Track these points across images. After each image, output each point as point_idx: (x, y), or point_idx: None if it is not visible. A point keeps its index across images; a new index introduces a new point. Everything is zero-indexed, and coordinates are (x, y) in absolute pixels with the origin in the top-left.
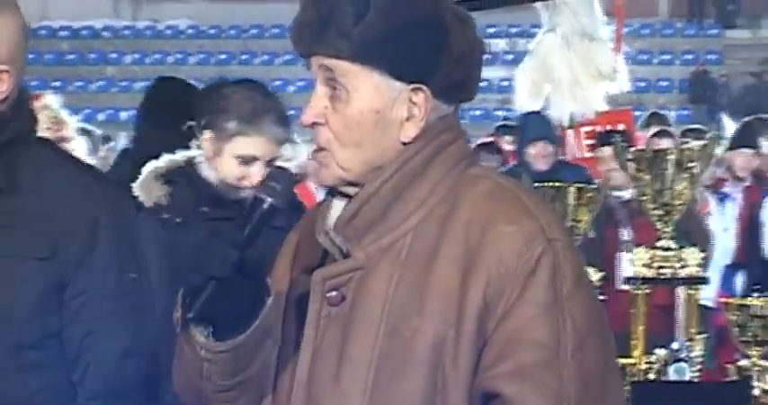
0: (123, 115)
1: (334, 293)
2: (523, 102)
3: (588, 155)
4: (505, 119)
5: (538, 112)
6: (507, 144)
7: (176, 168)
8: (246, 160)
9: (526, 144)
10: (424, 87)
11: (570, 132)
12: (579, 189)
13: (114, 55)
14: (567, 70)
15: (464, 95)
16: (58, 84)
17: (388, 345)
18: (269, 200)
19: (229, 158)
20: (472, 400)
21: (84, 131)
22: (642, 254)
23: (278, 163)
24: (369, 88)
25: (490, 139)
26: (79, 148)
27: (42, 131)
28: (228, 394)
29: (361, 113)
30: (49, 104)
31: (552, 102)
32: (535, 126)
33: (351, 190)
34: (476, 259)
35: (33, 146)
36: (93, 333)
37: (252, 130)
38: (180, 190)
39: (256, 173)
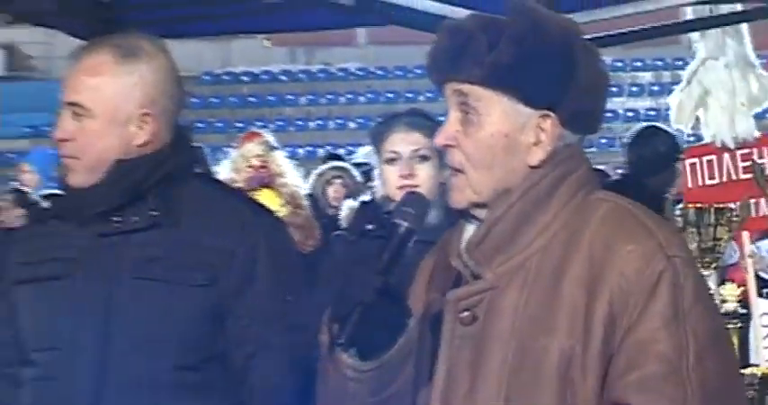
0: (300, 151)
1: (466, 314)
2: (680, 126)
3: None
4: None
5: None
6: None
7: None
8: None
9: None
10: (552, 115)
11: (727, 155)
12: (718, 210)
13: (291, 97)
14: (731, 96)
15: (590, 125)
16: (240, 124)
17: (518, 361)
18: (404, 224)
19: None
20: None
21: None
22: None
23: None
24: (499, 112)
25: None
26: (293, 180)
27: (254, 165)
28: None
29: (491, 136)
30: (267, 141)
31: (711, 126)
32: None
33: (481, 213)
34: (599, 278)
35: (192, 180)
36: (256, 356)
37: (392, 128)
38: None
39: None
